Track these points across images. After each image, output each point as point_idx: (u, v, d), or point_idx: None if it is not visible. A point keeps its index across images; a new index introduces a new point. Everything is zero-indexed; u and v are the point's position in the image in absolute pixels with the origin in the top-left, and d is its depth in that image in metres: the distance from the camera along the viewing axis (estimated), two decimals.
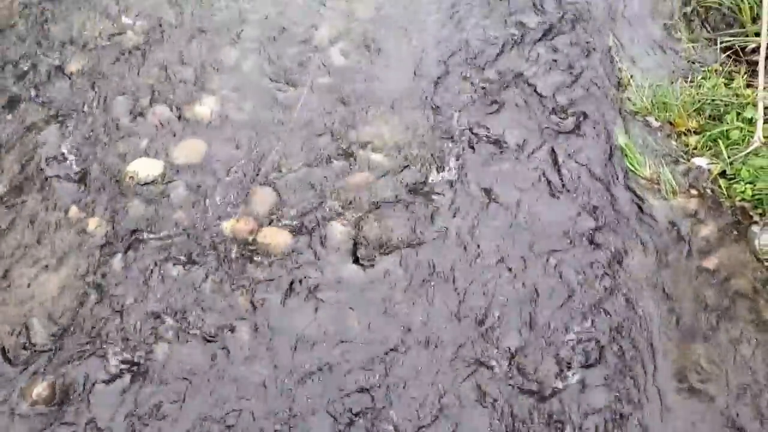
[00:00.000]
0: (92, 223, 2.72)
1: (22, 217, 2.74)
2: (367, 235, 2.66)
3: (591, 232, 2.62)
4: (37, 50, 3.40)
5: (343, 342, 2.37)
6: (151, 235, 2.68)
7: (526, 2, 3.52)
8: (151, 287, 2.52)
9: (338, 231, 2.67)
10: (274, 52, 3.37)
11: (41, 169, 2.90)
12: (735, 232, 2.58)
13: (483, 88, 3.17)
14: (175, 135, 3.03)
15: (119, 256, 2.62)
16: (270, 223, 2.71)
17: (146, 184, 2.85)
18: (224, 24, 3.50)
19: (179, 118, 3.10)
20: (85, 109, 3.14)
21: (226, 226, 2.71)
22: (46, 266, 2.60)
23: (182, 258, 2.60)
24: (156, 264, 2.58)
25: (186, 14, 3.55)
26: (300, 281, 2.52)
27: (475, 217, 2.69)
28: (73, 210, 2.76)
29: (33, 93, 3.22)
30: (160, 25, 3.50)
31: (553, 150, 2.92)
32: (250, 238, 2.67)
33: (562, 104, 3.08)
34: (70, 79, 3.27)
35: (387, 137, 3.01)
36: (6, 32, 3.49)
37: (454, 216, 2.70)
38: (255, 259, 2.59)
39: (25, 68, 3.32)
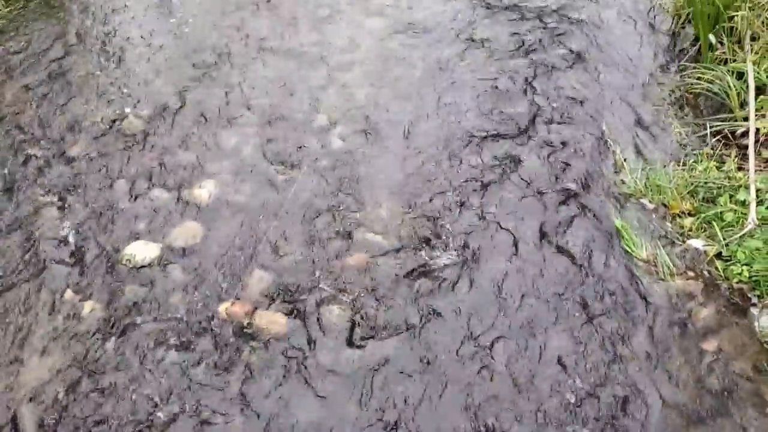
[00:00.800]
0: (87, 307, 2.74)
1: (17, 300, 2.77)
2: (365, 318, 2.67)
3: (588, 313, 2.64)
4: (39, 136, 3.52)
5: (340, 429, 2.35)
6: (146, 319, 2.69)
7: (519, 87, 3.67)
8: (145, 372, 2.51)
9: (335, 314, 2.69)
10: (274, 135, 3.50)
11: (39, 253, 2.95)
12: (734, 314, 2.61)
13: (480, 170, 3.26)
14: (173, 218, 3.10)
15: (113, 340, 2.62)
16: (266, 306, 2.73)
17: (142, 267, 2.89)
18: (225, 109, 3.64)
19: (178, 201, 3.17)
20: (85, 193, 3.22)
21: (222, 309, 2.73)
22: (38, 351, 2.60)
23: (177, 342, 2.61)
24: (150, 348, 2.59)
25: (188, 100, 3.70)
26: (296, 365, 2.52)
27: (474, 300, 2.72)
28: (69, 293, 2.79)
29: (34, 178, 3.31)
30: (162, 111, 3.64)
31: (549, 232, 2.97)
32: (246, 322, 2.68)
33: (557, 186, 3.17)
34: (71, 163, 3.37)
35: (385, 218, 3.07)
36: (10, 118, 3.62)
37: (453, 299, 2.73)
38: (250, 342, 2.60)
39: (28, 153, 3.43)
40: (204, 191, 3.22)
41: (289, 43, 4.06)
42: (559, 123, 3.48)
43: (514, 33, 4.02)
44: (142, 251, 2.95)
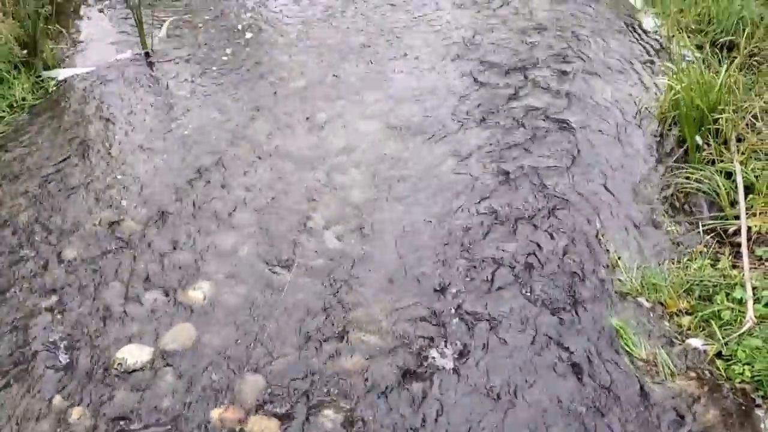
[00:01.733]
0: (75, 413, 2.71)
1: (5, 406, 2.73)
2: (361, 424, 2.64)
3: (590, 417, 2.62)
4: (36, 239, 3.58)
5: None
6: (136, 426, 2.66)
7: (512, 188, 3.79)
8: None
9: (330, 418, 2.66)
10: (270, 236, 3.57)
11: (29, 357, 2.94)
12: (738, 416, 2.59)
13: (474, 270, 3.31)
14: (166, 320, 3.11)
15: None
16: (258, 411, 2.71)
17: (134, 371, 2.88)
18: (222, 211, 3.73)
19: (172, 303, 3.20)
20: (79, 295, 3.25)
21: (214, 414, 2.70)
22: None
23: None
24: None
25: (185, 202, 3.79)
26: None
27: (471, 403, 2.70)
28: (57, 399, 2.77)
29: (28, 280, 3.34)
30: (159, 213, 3.72)
31: (547, 332, 2.99)
32: (238, 428, 2.65)
33: (553, 286, 3.21)
34: (66, 266, 3.41)
35: (380, 319, 3.09)
36: (8, 221, 3.70)
37: (451, 400, 2.71)
38: None
39: (23, 256, 3.48)
40: (199, 293, 3.25)
41: (286, 146, 4.21)
42: (552, 222, 3.57)
43: (505, 135, 4.18)
44: (135, 355, 2.94)
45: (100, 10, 5.68)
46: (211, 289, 3.27)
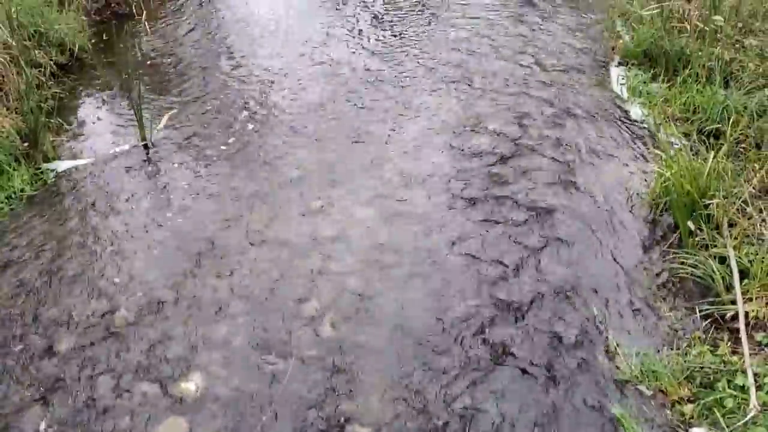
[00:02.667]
0: None
1: None
2: None
3: None
4: (28, 330, 3.57)
5: None
6: None
7: (508, 274, 3.82)
8: None
9: None
10: (264, 325, 3.57)
11: None
12: None
13: (473, 358, 3.30)
14: (158, 414, 3.07)
15: None
16: None
17: None
18: (216, 300, 3.74)
19: (164, 395, 3.16)
20: (69, 388, 3.21)
21: None
22: None
23: None
24: None
25: (180, 292, 3.81)
26: None
27: None
28: None
29: (19, 373, 3.31)
30: (153, 304, 3.73)
31: (549, 423, 2.95)
32: None
33: (553, 374, 3.19)
34: (57, 358, 3.39)
35: (377, 410, 3.05)
36: (2, 312, 3.69)
37: None
38: None
39: (15, 348, 3.46)
40: (191, 384, 3.22)
41: (282, 233, 4.26)
42: (549, 309, 3.59)
43: (500, 221, 4.25)
44: None
45: (102, 103, 5.86)
46: (204, 381, 3.24)
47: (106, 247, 4.22)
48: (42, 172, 4.91)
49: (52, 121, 5.38)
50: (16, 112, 5.18)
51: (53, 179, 4.88)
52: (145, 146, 5.23)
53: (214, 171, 4.91)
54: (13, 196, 4.64)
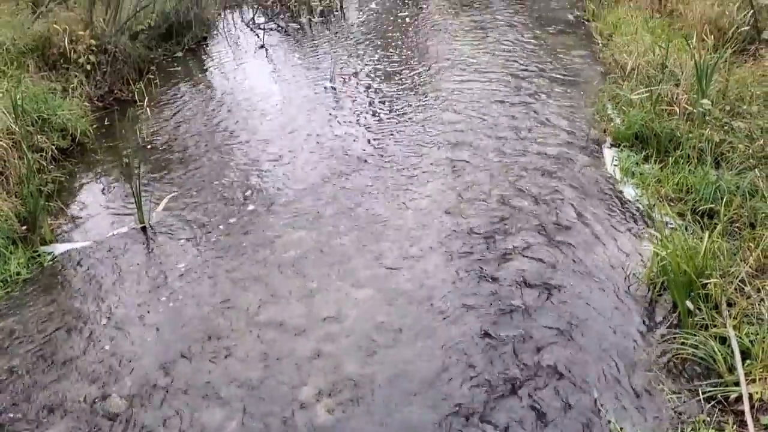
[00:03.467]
0: None
1: None
2: None
3: None
4: (19, 416, 3.50)
5: None
6: None
7: (506, 356, 3.78)
8: None
9: None
10: (259, 410, 3.52)
11: None
12: None
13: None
14: None
15: None
16: None
17: None
18: (211, 384, 3.69)
19: None
20: None
21: None
22: None
23: None
24: None
25: (174, 376, 3.77)
26: None
27: None
28: None
29: None
30: (147, 389, 3.68)
31: None
32: None
33: None
34: None
35: None
36: None
37: None
38: None
39: None
40: None
41: (277, 315, 4.25)
42: (549, 393, 3.54)
43: (497, 303, 4.25)
44: None
45: (101, 186, 5.94)
46: None
47: (100, 330, 4.19)
48: (39, 255, 4.93)
49: (51, 204, 5.45)
50: (15, 196, 5.26)
51: (50, 262, 4.90)
52: (144, 229, 5.28)
53: (211, 253, 4.94)
54: (9, 279, 4.64)
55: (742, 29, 6.96)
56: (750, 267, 4.08)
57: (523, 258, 4.70)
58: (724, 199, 4.68)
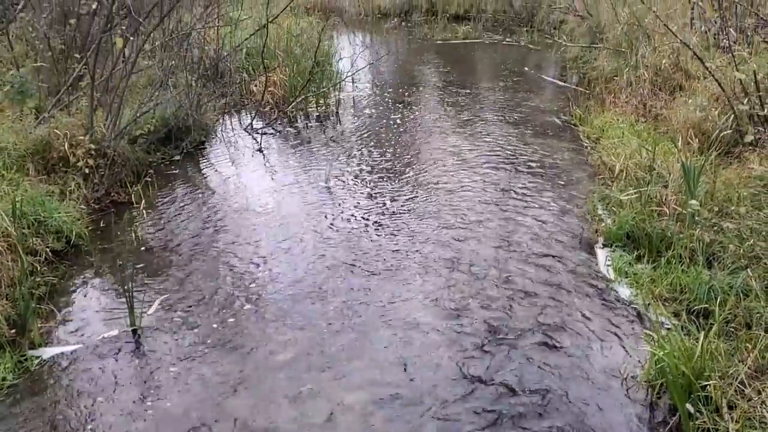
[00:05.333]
0: None
1: None
2: None
3: None
4: None
5: None
6: None
7: None
8: None
9: None
10: None
11: None
12: None
13: None
14: None
15: None
16: None
17: None
18: None
19: None
20: None
21: None
22: None
23: None
24: None
25: None
26: None
27: None
28: None
29: None
30: None
31: None
32: None
33: None
34: None
35: None
36: None
37: None
38: None
39: None
40: None
41: (268, 420, 4.15)
42: None
43: (493, 408, 4.18)
44: None
45: (94, 289, 5.93)
46: None
47: None
48: (27, 360, 4.86)
49: (42, 307, 5.42)
50: (6, 299, 5.24)
51: (37, 367, 4.82)
52: (134, 331, 5.23)
53: (202, 356, 4.88)
54: None
55: (725, 133, 7.21)
56: (749, 368, 4.05)
57: (518, 361, 4.65)
58: (719, 299, 4.70)
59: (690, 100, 8.38)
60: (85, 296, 5.81)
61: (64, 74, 8.58)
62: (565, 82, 12.96)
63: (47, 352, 5.00)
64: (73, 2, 9.03)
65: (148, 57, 9.84)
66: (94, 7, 8.44)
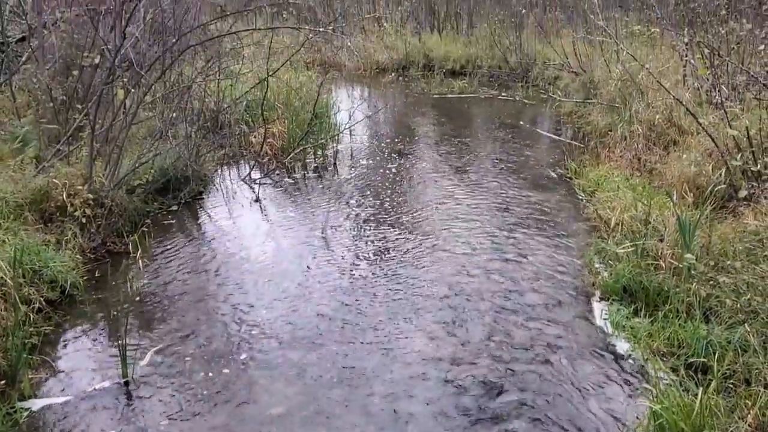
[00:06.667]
0: None
1: None
2: None
3: None
4: None
5: None
6: None
7: None
8: None
9: None
10: None
11: None
12: None
13: None
14: None
15: None
16: None
17: None
18: None
19: None
20: None
21: None
22: None
23: None
24: None
25: None
26: None
27: None
28: None
29: None
30: None
31: None
32: None
33: None
34: None
35: None
36: None
37: None
38: None
39: None
40: None
41: None
42: None
43: None
44: None
45: (86, 339, 5.87)
46: None
47: None
48: (16, 411, 4.77)
49: (33, 357, 5.36)
50: None
51: (27, 419, 4.73)
52: (126, 383, 5.16)
53: (194, 409, 4.80)
54: None
55: (720, 187, 7.27)
56: (749, 425, 4.00)
57: (516, 418, 4.59)
58: (717, 354, 4.67)
59: (684, 155, 8.48)
60: (77, 347, 5.75)
61: (65, 124, 8.68)
62: (559, 136, 13.13)
63: (37, 404, 4.92)
64: (76, 54, 9.20)
65: (148, 108, 9.98)
66: (96, 60, 8.59)
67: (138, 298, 6.58)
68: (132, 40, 8.11)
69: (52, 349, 5.67)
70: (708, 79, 9.75)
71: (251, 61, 13.62)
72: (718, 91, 8.97)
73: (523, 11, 20.67)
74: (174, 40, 8.58)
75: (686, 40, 10.23)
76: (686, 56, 10.43)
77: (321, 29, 10.99)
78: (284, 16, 18.73)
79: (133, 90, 8.41)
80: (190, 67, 10.88)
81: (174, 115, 9.80)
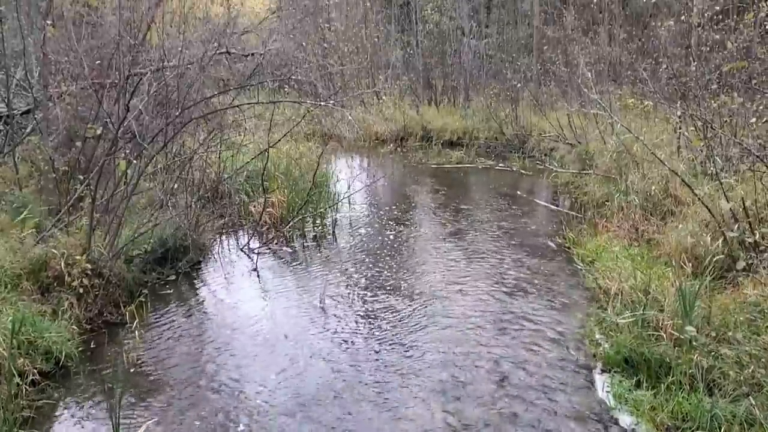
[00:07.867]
0: None
1: None
2: None
3: None
4: None
5: None
6: None
7: None
8: None
9: None
10: None
11: None
12: None
13: None
14: None
15: None
16: None
17: None
18: None
19: None
20: None
21: None
22: None
23: None
24: None
25: None
26: None
27: None
28: None
29: None
30: None
31: None
32: None
33: None
34: None
35: None
36: None
37: None
38: None
39: None
40: None
41: None
42: None
43: None
44: None
45: (80, 412, 5.76)
46: None
47: None
48: None
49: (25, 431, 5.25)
50: None
51: None
52: None
53: None
54: None
55: (718, 257, 7.29)
56: None
57: None
58: (723, 429, 4.59)
59: (681, 225, 8.54)
60: (70, 421, 5.64)
61: (66, 195, 8.76)
62: (557, 205, 13.24)
63: None
64: (79, 126, 9.37)
65: (149, 179, 10.09)
66: (99, 131, 8.75)
67: (133, 370, 6.49)
68: (135, 113, 8.28)
69: (44, 422, 5.56)
70: (702, 151, 9.92)
71: (252, 133, 13.86)
72: (713, 162, 9.11)
73: (518, 85, 21.19)
74: (177, 113, 8.75)
75: (679, 113, 10.46)
76: (680, 128, 10.64)
77: (322, 103, 11.18)
78: (286, 89, 19.18)
79: (134, 161, 8.53)
80: (192, 139, 11.07)
81: (175, 185, 9.90)
